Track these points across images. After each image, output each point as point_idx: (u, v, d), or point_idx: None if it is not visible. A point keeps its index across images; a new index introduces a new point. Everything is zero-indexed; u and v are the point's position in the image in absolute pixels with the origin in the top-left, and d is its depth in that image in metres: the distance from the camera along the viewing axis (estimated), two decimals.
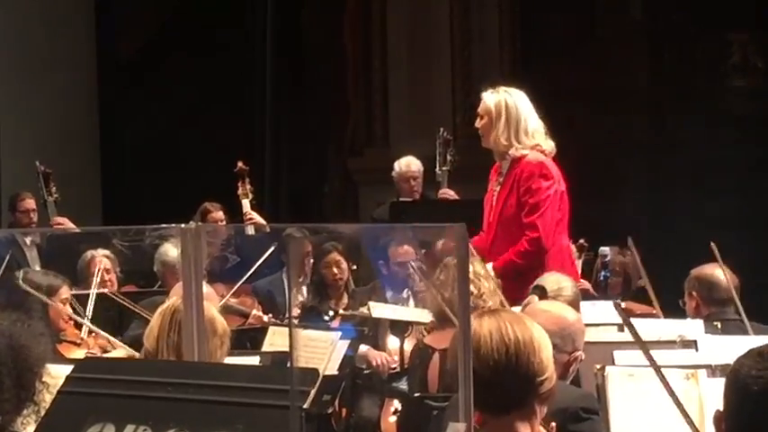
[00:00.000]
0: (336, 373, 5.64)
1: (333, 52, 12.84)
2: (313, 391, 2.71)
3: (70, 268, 7.26)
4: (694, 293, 5.94)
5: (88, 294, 6.60)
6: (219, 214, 8.52)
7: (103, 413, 2.72)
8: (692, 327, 5.24)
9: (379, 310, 6.64)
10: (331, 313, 7.33)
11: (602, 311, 5.84)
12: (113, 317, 6.69)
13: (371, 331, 6.94)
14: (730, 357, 4.19)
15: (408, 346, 6.53)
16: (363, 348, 6.89)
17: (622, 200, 12.14)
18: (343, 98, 12.84)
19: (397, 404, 5.93)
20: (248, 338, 6.21)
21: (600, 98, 11.89)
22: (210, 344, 3.97)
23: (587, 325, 4.35)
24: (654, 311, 6.59)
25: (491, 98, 6.12)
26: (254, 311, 7.27)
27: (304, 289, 7.92)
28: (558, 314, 4.10)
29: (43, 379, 3.19)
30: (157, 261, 7.46)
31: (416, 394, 5.36)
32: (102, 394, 2.80)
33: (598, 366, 3.90)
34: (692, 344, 4.78)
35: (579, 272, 7.88)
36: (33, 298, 5.91)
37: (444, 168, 8.87)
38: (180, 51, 12.95)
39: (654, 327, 5.58)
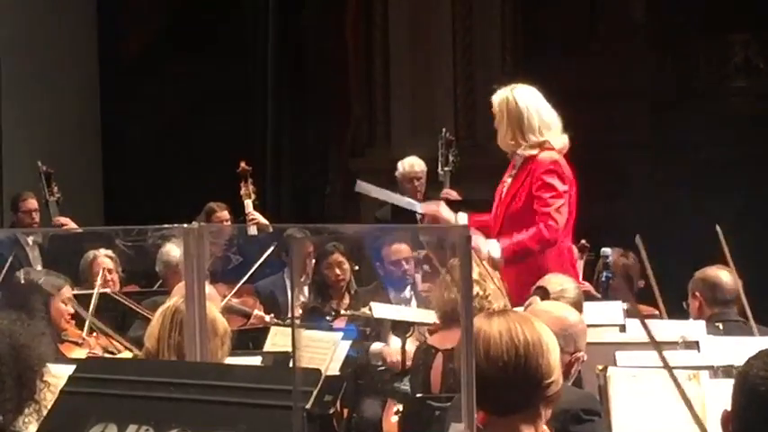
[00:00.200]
0: (338, 373, 5.63)
1: (334, 53, 12.85)
2: (315, 392, 2.71)
3: (72, 268, 7.26)
4: (698, 294, 5.94)
5: (90, 294, 6.59)
6: (225, 214, 8.51)
7: (106, 413, 2.72)
8: (694, 328, 5.24)
9: (380, 310, 6.64)
10: (333, 313, 7.33)
11: (604, 312, 5.85)
12: (116, 317, 6.69)
13: (373, 331, 6.94)
14: (732, 358, 4.22)
15: (410, 346, 6.53)
16: (378, 346, 6.90)
17: (624, 201, 12.15)
18: (344, 99, 12.84)
19: (398, 405, 5.92)
20: (250, 339, 6.20)
21: (602, 98, 11.89)
22: (211, 344, 3.97)
23: (589, 326, 4.35)
24: (656, 312, 6.60)
25: (496, 97, 6.05)
26: (256, 311, 7.27)
27: (305, 289, 7.92)
28: (560, 315, 4.09)
29: (44, 378, 3.19)
30: (159, 261, 7.46)
31: (418, 395, 5.36)
32: (105, 394, 2.80)
33: (600, 367, 3.90)
34: (694, 345, 4.78)
35: (581, 273, 7.87)
36: (35, 298, 5.91)
37: (446, 169, 8.86)
38: (181, 51, 12.96)
39: (656, 328, 5.58)
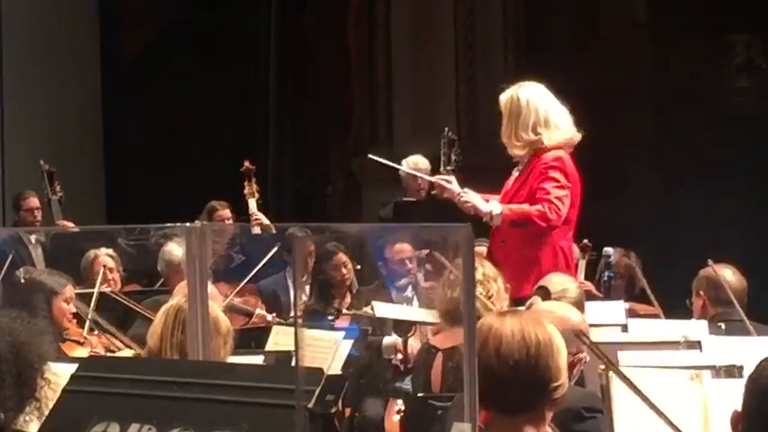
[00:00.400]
0: (340, 372, 5.63)
1: (336, 52, 12.84)
2: (317, 391, 2.71)
3: (74, 267, 7.26)
4: (702, 293, 5.93)
5: (91, 293, 6.59)
6: (226, 212, 8.51)
7: (108, 412, 2.73)
8: (696, 327, 5.24)
9: (381, 309, 6.64)
10: (334, 313, 7.33)
11: (606, 312, 5.85)
12: (117, 316, 6.69)
13: (376, 330, 6.94)
14: (735, 358, 4.22)
15: (411, 345, 6.54)
16: (390, 339, 6.90)
17: (626, 201, 12.14)
18: (346, 98, 12.84)
19: (400, 404, 5.92)
20: (252, 338, 6.20)
21: (604, 99, 11.87)
22: (214, 343, 3.97)
23: (591, 325, 4.35)
24: (657, 312, 6.60)
25: (503, 95, 6.07)
26: (258, 310, 7.27)
27: (307, 288, 7.92)
28: (563, 315, 4.09)
29: (45, 376, 3.19)
30: (161, 260, 7.46)
31: (420, 394, 5.36)
32: (107, 393, 2.81)
33: (602, 367, 3.90)
34: (696, 344, 4.78)
35: (582, 272, 7.87)
36: (37, 296, 5.91)
37: (449, 168, 8.84)
38: (183, 51, 12.96)
39: (658, 327, 5.59)
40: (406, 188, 9.37)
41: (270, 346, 5.91)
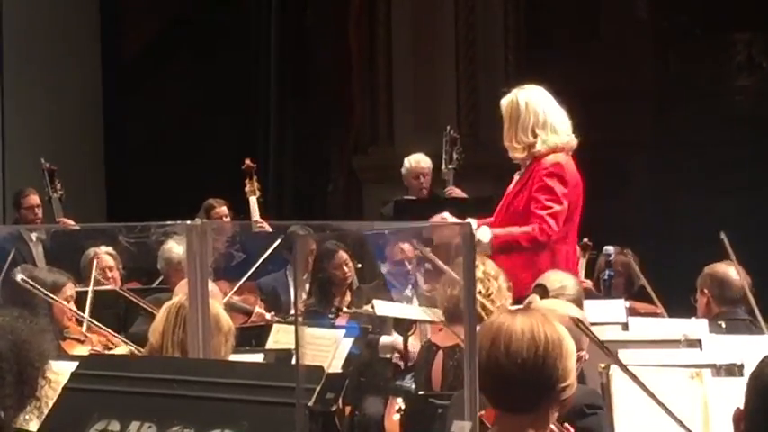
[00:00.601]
0: (340, 370, 5.63)
1: (337, 51, 12.84)
2: (318, 389, 2.71)
3: (75, 265, 7.26)
4: (706, 291, 5.92)
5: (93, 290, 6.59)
6: (224, 209, 8.50)
7: (108, 409, 2.73)
8: (696, 326, 5.24)
9: (382, 307, 6.64)
10: (335, 311, 7.33)
11: (606, 310, 5.84)
12: (117, 313, 6.69)
13: (376, 329, 6.94)
14: (735, 357, 4.22)
15: (411, 343, 6.53)
16: (388, 338, 6.90)
17: (627, 199, 12.14)
18: (347, 96, 12.83)
19: (400, 402, 5.92)
20: (253, 336, 6.21)
21: (605, 98, 11.87)
22: (215, 341, 3.97)
23: (591, 324, 4.34)
24: (658, 311, 6.60)
25: (501, 102, 6.05)
26: (257, 308, 7.26)
27: (307, 286, 7.92)
28: (564, 313, 4.08)
29: (46, 375, 3.19)
30: (161, 258, 7.46)
31: (421, 392, 5.36)
32: (107, 391, 2.81)
33: (602, 365, 3.90)
34: (696, 343, 4.78)
35: (583, 271, 7.87)
36: (38, 295, 5.91)
37: (450, 167, 8.86)
38: (184, 50, 12.96)
39: (658, 326, 5.59)
40: (407, 186, 9.37)
41: (270, 345, 5.91)
